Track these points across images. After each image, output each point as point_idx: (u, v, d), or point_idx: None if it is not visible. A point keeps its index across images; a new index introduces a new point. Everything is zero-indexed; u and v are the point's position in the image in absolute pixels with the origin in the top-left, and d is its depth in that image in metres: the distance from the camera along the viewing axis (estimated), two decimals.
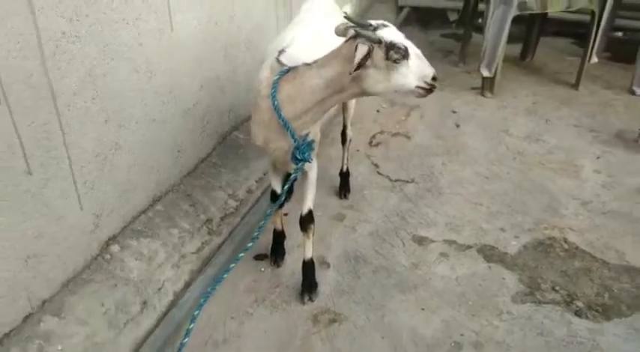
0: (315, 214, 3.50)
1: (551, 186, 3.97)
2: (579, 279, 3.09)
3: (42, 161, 2.26)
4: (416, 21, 7.85)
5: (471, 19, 6.09)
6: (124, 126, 2.72)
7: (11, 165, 2.12)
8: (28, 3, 2.08)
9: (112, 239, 2.78)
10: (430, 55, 6.66)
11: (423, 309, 2.86)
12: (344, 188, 3.76)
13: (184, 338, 2.26)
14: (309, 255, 2.90)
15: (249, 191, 3.57)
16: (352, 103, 3.50)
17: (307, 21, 2.99)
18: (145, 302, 2.65)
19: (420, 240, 3.36)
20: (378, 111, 5.09)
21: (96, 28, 2.44)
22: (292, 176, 2.53)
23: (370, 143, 4.51)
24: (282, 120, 2.37)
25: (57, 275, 2.45)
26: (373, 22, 2.25)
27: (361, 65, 2.14)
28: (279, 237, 3.14)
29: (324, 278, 3.04)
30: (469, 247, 3.31)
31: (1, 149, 2.07)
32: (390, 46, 2.17)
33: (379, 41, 2.16)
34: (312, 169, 2.74)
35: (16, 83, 2.08)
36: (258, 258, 3.19)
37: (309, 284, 2.91)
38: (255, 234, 2.50)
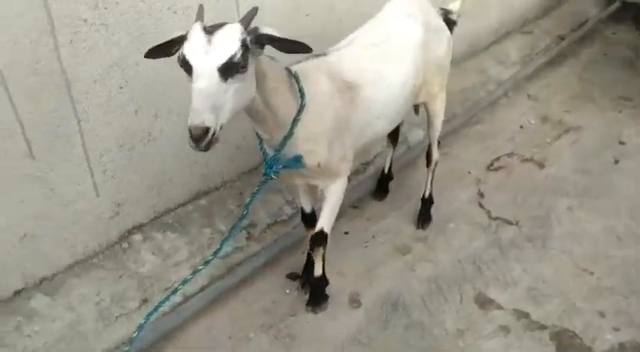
0: (378, 241, 3.15)
1: None
2: None
3: (49, 146, 2.28)
4: (632, 19, 6.44)
5: None
6: (161, 117, 2.63)
7: (9, 148, 2.17)
8: None
9: (138, 228, 2.76)
10: (631, 64, 5.46)
11: None
12: (422, 216, 3.24)
13: (126, 347, 2.15)
14: (318, 272, 2.64)
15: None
16: (437, 121, 2.95)
17: (379, 23, 2.56)
18: (145, 300, 2.59)
19: (484, 303, 2.75)
20: (521, 127, 4.30)
21: (130, 16, 2.35)
22: (255, 189, 2.23)
23: (489, 166, 3.83)
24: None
25: (61, 256, 2.50)
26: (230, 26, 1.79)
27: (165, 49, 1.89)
28: (310, 258, 2.83)
29: (346, 320, 2.67)
30: (542, 327, 2.61)
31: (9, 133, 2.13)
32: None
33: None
34: (332, 193, 2.38)
35: (20, 67, 2.09)
36: (291, 276, 2.93)
37: (315, 298, 2.66)
38: (244, 212, 2.27)
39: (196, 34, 1.75)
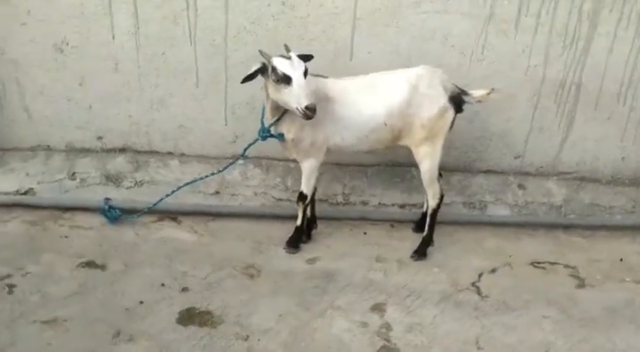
0: (375, 246, 4.02)
1: None
2: None
3: (207, 84, 4.26)
4: None
5: None
6: None
7: (187, 78, 4.23)
8: None
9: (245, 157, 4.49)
10: None
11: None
12: (417, 250, 3.88)
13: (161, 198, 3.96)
14: (297, 222, 3.83)
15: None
16: (422, 167, 3.67)
17: (383, 74, 3.63)
18: (217, 192, 4.33)
19: (376, 308, 3.36)
20: (621, 259, 4.07)
21: (273, 27, 4.07)
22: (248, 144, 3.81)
23: (533, 262, 3.98)
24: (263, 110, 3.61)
25: (196, 148, 4.48)
26: (292, 54, 3.19)
27: (251, 77, 3.24)
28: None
29: (294, 265, 3.78)
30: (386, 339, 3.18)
31: (188, 70, 4.20)
32: (273, 69, 3.15)
33: (268, 63, 3.16)
34: (304, 167, 3.64)
35: (205, 40, 4.10)
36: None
37: (291, 240, 3.85)
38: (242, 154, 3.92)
39: (284, 61, 3.22)
